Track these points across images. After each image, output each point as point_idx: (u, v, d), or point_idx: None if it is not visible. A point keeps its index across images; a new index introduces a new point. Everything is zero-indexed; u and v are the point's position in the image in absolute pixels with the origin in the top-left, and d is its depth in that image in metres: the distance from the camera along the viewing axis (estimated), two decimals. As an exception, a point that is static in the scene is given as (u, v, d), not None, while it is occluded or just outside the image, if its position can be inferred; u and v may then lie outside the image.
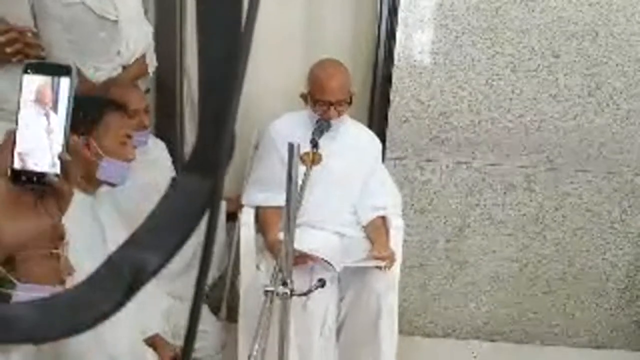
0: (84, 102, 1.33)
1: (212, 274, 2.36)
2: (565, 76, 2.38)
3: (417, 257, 2.59)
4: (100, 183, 1.57)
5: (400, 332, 2.11)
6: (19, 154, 0.55)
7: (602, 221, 2.55)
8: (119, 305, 0.35)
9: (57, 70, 0.57)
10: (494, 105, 2.42)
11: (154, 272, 0.35)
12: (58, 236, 0.89)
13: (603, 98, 2.41)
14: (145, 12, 2.20)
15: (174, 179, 0.37)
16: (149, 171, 2.09)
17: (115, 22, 1.89)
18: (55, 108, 0.56)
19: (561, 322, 2.68)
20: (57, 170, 0.56)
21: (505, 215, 2.54)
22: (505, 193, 2.52)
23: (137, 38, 2.00)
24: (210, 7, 0.31)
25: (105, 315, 0.35)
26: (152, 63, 2.16)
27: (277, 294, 1.40)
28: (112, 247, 1.63)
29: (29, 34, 1.64)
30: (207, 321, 2.32)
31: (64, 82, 0.56)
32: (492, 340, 2.70)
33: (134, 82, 2.08)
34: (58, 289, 0.95)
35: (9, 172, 0.54)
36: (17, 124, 0.55)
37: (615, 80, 2.38)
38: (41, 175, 0.55)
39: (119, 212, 1.74)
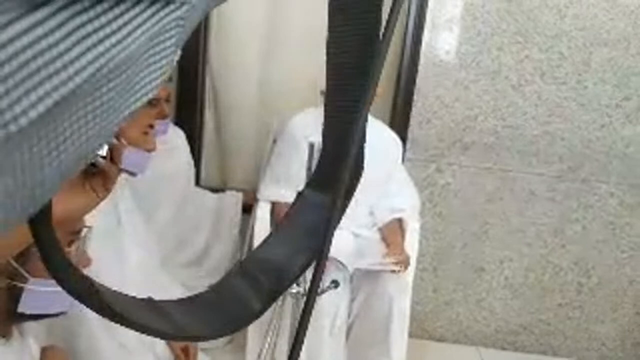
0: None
1: (225, 267, 2.36)
2: (594, 85, 2.33)
3: (432, 261, 2.56)
4: (120, 171, 1.56)
5: (410, 335, 2.09)
6: None
7: (623, 235, 2.50)
8: (263, 310, 0.37)
9: None
10: (519, 110, 2.37)
11: (296, 277, 0.37)
12: (75, 229, 0.88)
13: (631, 109, 2.35)
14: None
15: (300, 193, 0.39)
16: (167, 160, 2.09)
17: None
18: None
19: (574, 335, 2.64)
20: (103, 152, 0.58)
21: (525, 224, 2.50)
22: (526, 201, 2.47)
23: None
24: (346, 23, 0.31)
25: (248, 322, 0.36)
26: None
27: (290, 293, 1.39)
28: (127, 230, 1.63)
29: None
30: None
31: None
32: (503, 349, 2.66)
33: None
34: None
35: None
36: None
37: (646, 92, 2.33)
38: None
39: (135, 199, 1.74)
